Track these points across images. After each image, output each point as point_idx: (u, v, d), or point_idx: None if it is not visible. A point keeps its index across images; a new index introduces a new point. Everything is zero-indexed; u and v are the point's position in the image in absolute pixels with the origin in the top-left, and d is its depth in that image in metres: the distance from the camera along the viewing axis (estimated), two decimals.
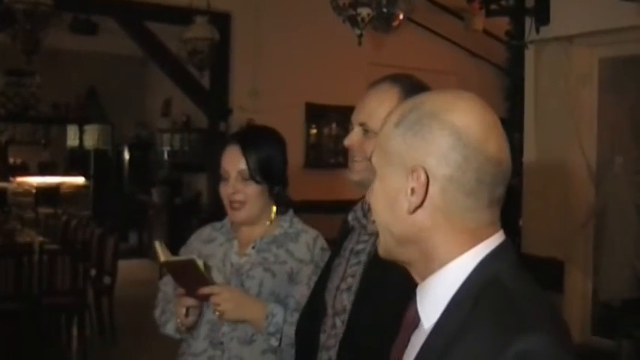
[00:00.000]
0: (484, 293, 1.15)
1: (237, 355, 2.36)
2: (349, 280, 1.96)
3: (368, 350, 1.77)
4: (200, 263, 2.28)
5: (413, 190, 1.19)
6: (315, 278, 2.32)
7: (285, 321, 2.30)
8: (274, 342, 2.29)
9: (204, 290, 2.26)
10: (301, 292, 2.36)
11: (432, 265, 1.23)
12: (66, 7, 7.22)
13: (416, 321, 1.26)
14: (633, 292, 4.97)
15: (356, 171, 1.94)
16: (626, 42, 4.88)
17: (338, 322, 1.95)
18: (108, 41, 10.27)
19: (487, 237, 1.22)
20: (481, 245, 1.21)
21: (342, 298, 1.95)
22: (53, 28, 6.04)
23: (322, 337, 2.00)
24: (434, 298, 1.22)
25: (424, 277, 1.25)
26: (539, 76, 5.24)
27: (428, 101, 1.23)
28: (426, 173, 1.18)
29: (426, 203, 1.19)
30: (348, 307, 1.92)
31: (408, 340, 1.28)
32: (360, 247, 1.99)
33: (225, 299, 2.28)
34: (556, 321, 1.16)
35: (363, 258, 1.96)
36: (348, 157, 1.99)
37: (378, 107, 1.88)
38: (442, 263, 1.22)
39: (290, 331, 2.27)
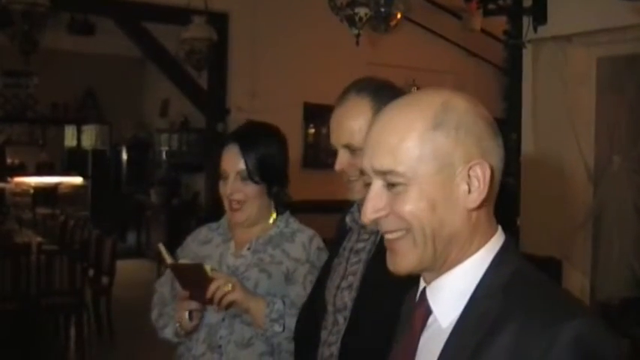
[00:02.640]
0: (513, 284, 1.19)
1: (234, 359, 2.35)
2: (350, 278, 1.99)
3: (370, 345, 1.78)
4: (208, 268, 2.28)
5: (472, 186, 1.21)
6: (310, 278, 2.35)
7: (285, 312, 2.30)
8: (278, 328, 2.28)
9: (212, 287, 2.25)
10: (296, 292, 2.36)
11: (453, 262, 1.25)
12: (63, 7, 7.22)
13: (424, 322, 1.27)
14: (631, 292, 4.97)
15: (357, 190, 1.97)
16: (623, 41, 4.88)
17: (340, 318, 1.98)
18: (105, 42, 10.28)
19: (496, 228, 1.28)
20: (493, 239, 1.26)
21: (342, 296, 1.99)
22: (51, 28, 6.05)
23: (323, 333, 2.03)
24: (452, 295, 1.23)
25: (439, 276, 1.26)
26: (536, 75, 5.24)
27: (453, 100, 1.24)
28: (490, 165, 1.21)
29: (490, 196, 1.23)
30: (349, 304, 1.95)
31: (417, 341, 1.28)
32: (360, 245, 2.02)
33: (233, 289, 2.27)
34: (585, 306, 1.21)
35: (363, 256, 1.99)
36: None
37: (356, 123, 1.91)
38: (465, 258, 1.24)
39: (290, 322, 2.28)
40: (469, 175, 1.20)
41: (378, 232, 1.93)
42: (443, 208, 1.20)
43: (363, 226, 2.02)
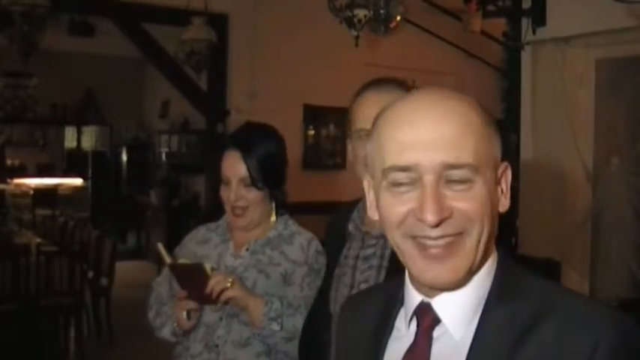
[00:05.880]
0: (526, 285, 1.15)
1: (232, 358, 2.36)
2: (362, 286, 1.96)
3: None
4: (208, 267, 2.28)
5: (504, 188, 1.18)
6: (308, 280, 2.36)
7: (282, 312, 2.30)
8: (276, 327, 2.29)
9: (211, 282, 2.25)
10: (294, 293, 2.37)
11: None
12: (63, 8, 7.22)
13: (430, 334, 1.18)
14: (630, 293, 4.98)
15: None
16: (622, 43, 4.89)
17: None
18: (105, 43, 10.27)
19: None
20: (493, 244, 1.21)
21: None
22: (50, 29, 6.04)
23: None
24: (466, 305, 1.16)
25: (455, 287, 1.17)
26: (535, 77, 5.25)
27: (479, 102, 1.20)
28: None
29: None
30: None
31: (428, 356, 1.18)
32: (369, 251, 2.00)
33: (232, 285, 2.28)
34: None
35: (375, 262, 1.98)
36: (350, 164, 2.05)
37: None
38: (479, 268, 1.17)
39: (287, 322, 2.29)
40: (501, 178, 1.17)
41: (384, 236, 1.93)
42: (494, 210, 1.15)
43: (366, 232, 2.02)
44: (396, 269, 1.87)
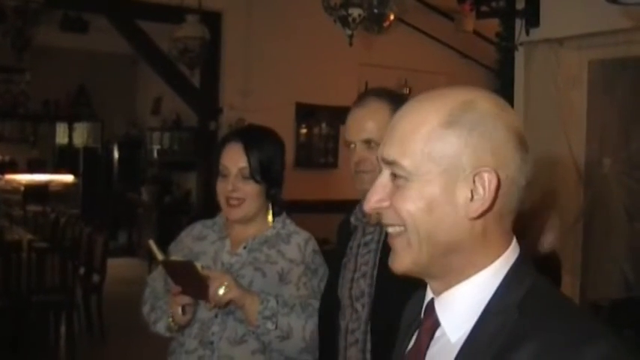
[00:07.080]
0: (529, 301, 1.12)
1: (227, 355, 2.36)
2: (363, 268, 2.18)
3: (395, 325, 1.85)
4: (198, 266, 2.29)
5: (476, 193, 1.13)
6: (304, 279, 2.41)
7: (277, 310, 2.31)
8: (270, 325, 2.29)
9: (211, 293, 2.25)
10: (290, 292, 2.38)
11: (463, 274, 1.17)
12: (57, 4, 7.21)
13: (432, 335, 1.21)
14: (621, 293, 4.99)
15: (366, 181, 2.11)
16: (615, 44, 4.90)
17: (358, 306, 2.16)
18: (98, 39, 10.25)
19: (511, 241, 1.20)
20: (507, 252, 1.18)
21: (359, 285, 2.17)
22: (44, 25, 6.04)
23: (342, 323, 2.21)
24: (463, 309, 1.16)
25: (448, 287, 1.19)
26: (528, 77, 5.25)
27: (478, 100, 1.16)
28: (497, 175, 1.13)
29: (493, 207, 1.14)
30: (367, 290, 2.14)
31: (424, 356, 1.21)
32: (368, 238, 2.21)
33: (229, 285, 2.28)
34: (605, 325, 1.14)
35: (373, 246, 2.18)
36: (354, 170, 2.22)
37: (378, 123, 2.13)
38: (476, 271, 1.17)
39: (282, 321, 2.29)
40: (474, 182, 1.13)
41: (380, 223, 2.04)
42: (441, 212, 1.13)
43: (367, 222, 2.20)
44: (388, 251, 2.01)
